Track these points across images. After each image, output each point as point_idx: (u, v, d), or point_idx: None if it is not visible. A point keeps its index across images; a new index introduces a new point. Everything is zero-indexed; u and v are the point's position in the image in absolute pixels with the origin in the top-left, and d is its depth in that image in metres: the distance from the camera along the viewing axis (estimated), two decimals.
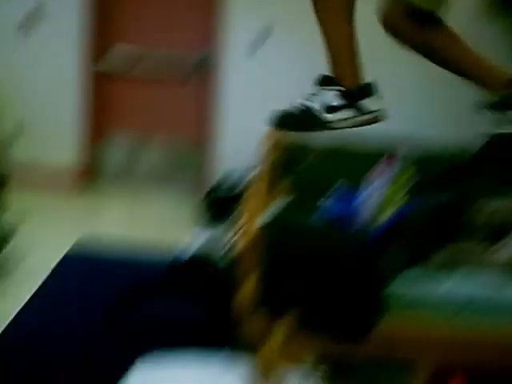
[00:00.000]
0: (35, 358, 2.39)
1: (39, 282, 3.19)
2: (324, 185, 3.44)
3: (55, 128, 5.55)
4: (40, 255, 3.78)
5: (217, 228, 4.17)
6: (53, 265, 3.39)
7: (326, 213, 2.87)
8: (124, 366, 2.27)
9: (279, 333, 1.81)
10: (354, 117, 2.24)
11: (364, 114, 2.24)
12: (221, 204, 4.43)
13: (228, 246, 3.62)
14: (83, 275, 3.15)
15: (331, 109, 2.22)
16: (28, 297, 3.01)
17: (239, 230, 2.83)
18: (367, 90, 2.24)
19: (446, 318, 2.19)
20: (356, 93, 2.21)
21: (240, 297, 2.44)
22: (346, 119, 2.24)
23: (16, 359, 2.43)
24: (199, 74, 5.70)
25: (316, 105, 2.24)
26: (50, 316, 2.72)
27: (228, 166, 5.08)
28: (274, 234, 2.19)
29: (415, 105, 5.53)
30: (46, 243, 3.98)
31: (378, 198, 2.56)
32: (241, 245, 2.41)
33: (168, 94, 5.66)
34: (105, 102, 5.70)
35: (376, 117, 2.27)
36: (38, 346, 2.49)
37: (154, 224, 4.78)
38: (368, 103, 2.23)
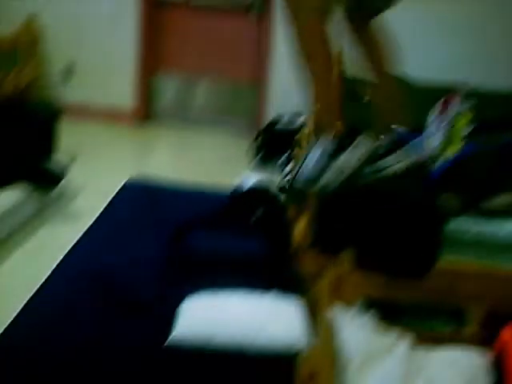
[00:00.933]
0: (94, 283, 2.43)
1: (90, 219, 3.23)
2: None
3: (110, 67, 5.54)
4: (90, 193, 3.82)
5: (270, 165, 4.16)
6: (104, 202, 3.42)
7: None
8: (181, 295, 2.30)
9: (332, 272, 1.79)
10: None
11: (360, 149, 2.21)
12: (275, 142, 4.40)
13: (284, 182, 3.60)
14: (138, 209, 3.16)
15: (333, 155, 2.19)
16: (80, 233, 3.05)
17: (295, 166, 2.80)
18: (356, 129, 2.25)
19: (503, 261, 2.15)
20: (347, 135, 2.22)
21: (295, 233, 2.43)
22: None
23: (78, 282, 2.47)
24: (256, 12, 5.60)
25: (319, 155, 2.20)
26: (106, 247, 2.75)
27: (282, 105, 5.03)
28: None
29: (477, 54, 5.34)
30: (97, 182, 4.02)
31: (439, 136, 2.50)
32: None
33: (224, 34, 5.58)
34: (160, 40, 5.64)
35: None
36: (96, 275, 2.52)
37: (206, 163, 4.78)
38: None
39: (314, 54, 2.20)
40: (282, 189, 2.23)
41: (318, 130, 2.29)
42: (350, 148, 2.17)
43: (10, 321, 2.30)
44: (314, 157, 2.18)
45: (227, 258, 2.54)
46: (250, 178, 3.49)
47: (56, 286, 2.48)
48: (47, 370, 2.04)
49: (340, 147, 2.17)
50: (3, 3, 5.35)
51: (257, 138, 4.74)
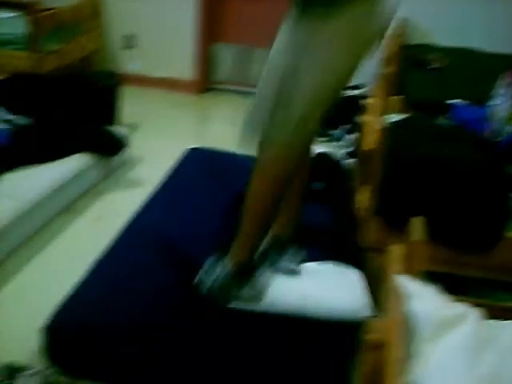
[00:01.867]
0: (157, 249, 2.44)
1: (151, 186, 3.25)
2: (452, 86, 3.28)
3: (170, 38, 5.54)
4: (151, 161, 3.85)
5: (331, 134, 4.10)
6: (164, 170, 3.44)
7: (455, 115, 2.74)
8: None
9: (402, 242, 1.74)
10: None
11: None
12: (334, 111, 4.34)
13: (346, 149, 3.54)
14: (199, 177, 3.16)
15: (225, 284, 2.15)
16: (141, 201, 3.08)
17: (360, 132, 2.75)
18: (258, 264, 2.17)
19: None
20: (248, 268, 2.13)
21: (358, 202, 2.40)
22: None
23: (140, 248, 2.49)
24: None
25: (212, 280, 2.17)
26: (168, 214, 2.74)
27: None
28: (398, 133, 2.11)
29: None
30: (157, 150, 4.04)
31: (507, 106, 2.42)
32: (361, 147, 2.35)
33: (282, 6, 5.49)
34: (218, 11, 5.60)
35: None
36: (159, 240, 2.53)
37: None
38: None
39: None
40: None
41: None
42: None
43: (75, 285, 2.35)
44: (219, 271, 2.14)
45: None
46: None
47: (119, 251, 2.51)
48: (117, 332, 2.08)
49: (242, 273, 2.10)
50: None
51: None
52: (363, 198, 2.39)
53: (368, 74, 4.47)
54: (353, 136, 3.72)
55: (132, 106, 4.32)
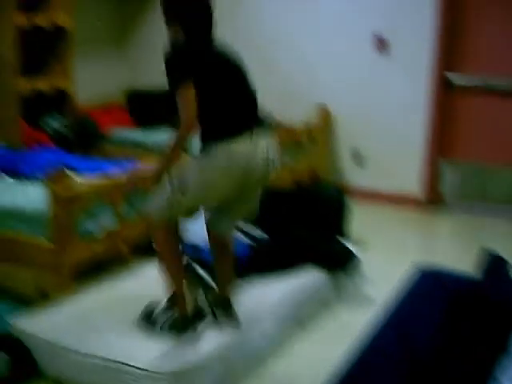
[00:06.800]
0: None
1: (378, 306, 3.17)
2: None
3: (397, 153, 5.44)
4: (377, 278, 3.77)
5: None
6: (390, 288, 3.34)
7: None
8: None
9: None
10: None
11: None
12: None
13: None
14: (428, 299, 3.02)
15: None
16: (368, 321, 3.00)
17: None
18: (199, 316, 2.79)
19: None
20: (190, 319, 2.74)
21: None
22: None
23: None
24: None
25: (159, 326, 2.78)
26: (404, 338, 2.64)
27: None
28: None
29: None
30: (383, 268, 3.94)
31: None
32: None
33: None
34: (450, 126, 5.43)
35: None
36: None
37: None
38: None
39: None
40: None
41: None
42: None
43: None
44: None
45: None
46: None
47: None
48: None
49: None
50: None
51: None
52: None
53: None
54: None
55: (360, 220, 4.35)
